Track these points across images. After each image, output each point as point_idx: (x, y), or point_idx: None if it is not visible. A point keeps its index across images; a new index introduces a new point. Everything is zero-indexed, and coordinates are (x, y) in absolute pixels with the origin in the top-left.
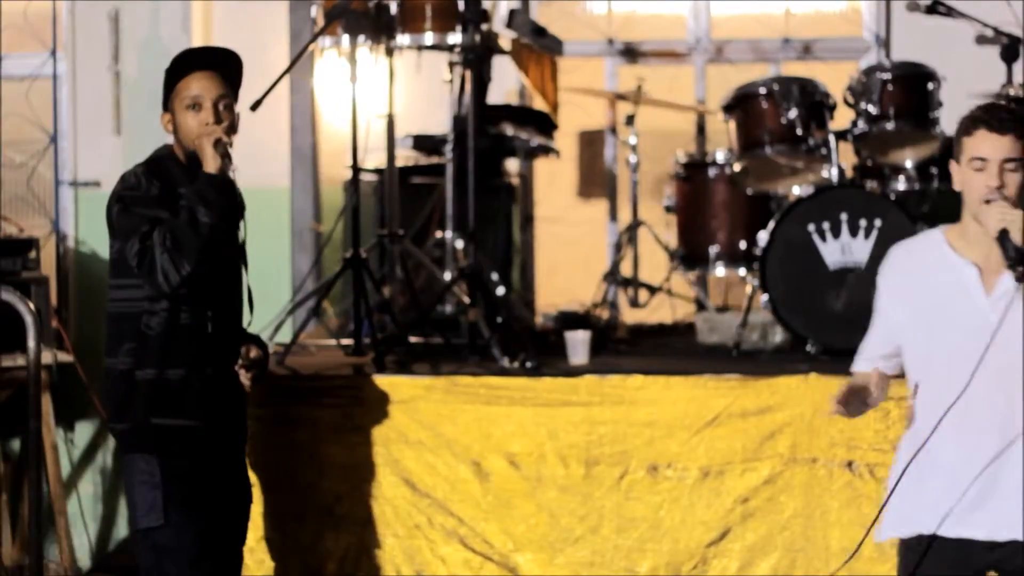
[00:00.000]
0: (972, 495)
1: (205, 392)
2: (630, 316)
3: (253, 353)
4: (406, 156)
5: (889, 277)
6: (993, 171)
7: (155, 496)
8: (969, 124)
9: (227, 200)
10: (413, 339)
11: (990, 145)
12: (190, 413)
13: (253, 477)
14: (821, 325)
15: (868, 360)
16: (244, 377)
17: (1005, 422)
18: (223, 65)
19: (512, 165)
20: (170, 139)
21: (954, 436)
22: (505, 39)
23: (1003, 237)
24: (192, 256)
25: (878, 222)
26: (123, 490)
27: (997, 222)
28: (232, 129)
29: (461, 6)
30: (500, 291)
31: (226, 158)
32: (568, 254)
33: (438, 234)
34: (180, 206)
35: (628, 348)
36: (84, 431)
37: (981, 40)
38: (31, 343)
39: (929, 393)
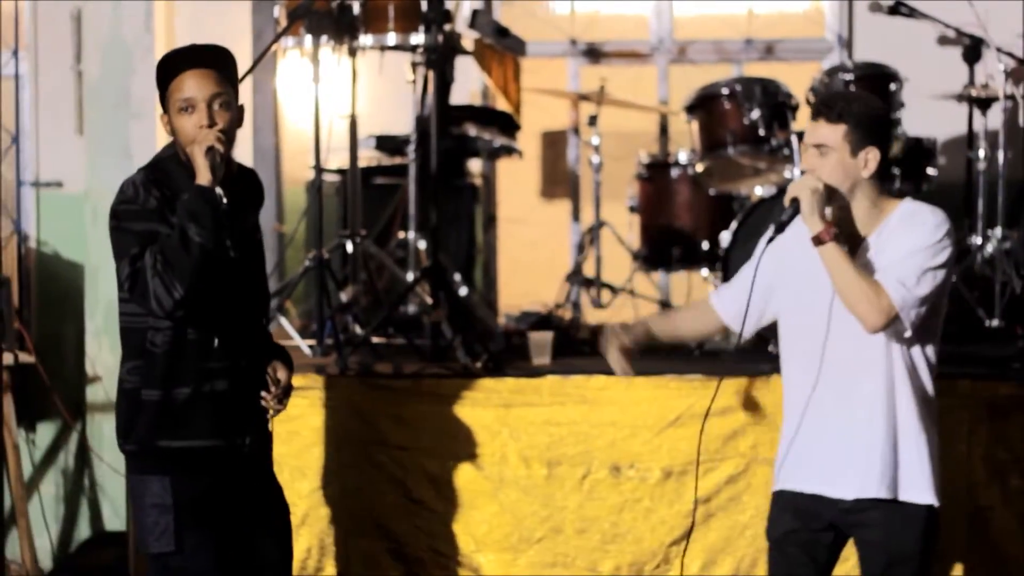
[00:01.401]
0: (821, 453)
1: (217, 409)
2: (593, 317)
3: (281, 375)
4: (369, 156)
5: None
6: (807, 152)
7: (167, 520)
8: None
9: (221, 210)
10: (376, 340)
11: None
12: (200, 433)
13: None
14: None
15: (726, 307)
16: (270, 402)
17: (852, 389)
18: (216, 61)
19: (475, 165)
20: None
21: (811, 401)
22: (468, 39)
23: (792, 203)
24: (184, 279)
25: None
26: (131, 510)
27: (791, 191)
28: (233, 125)
29: (424, 7)
30: (463, 292)
31: (216, 168)
32: (531, 254)
33: (401, 235)
34: (172, 222)
35: (591, 349)
36: (45, 432)
37: (943, 41)
38: None
39: (797, 359)
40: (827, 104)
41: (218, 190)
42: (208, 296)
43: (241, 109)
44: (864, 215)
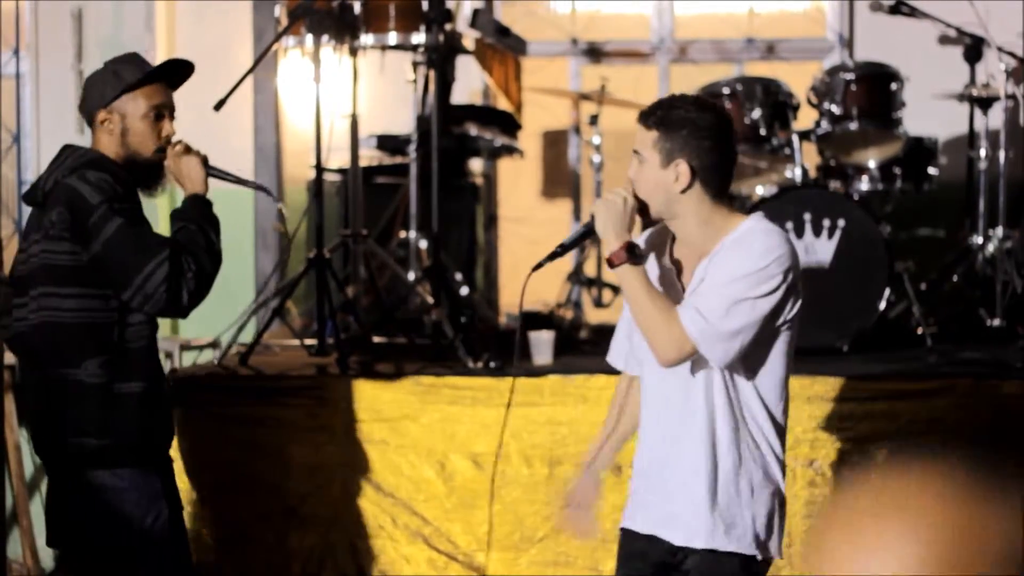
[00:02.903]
0: (650, 492)
1: (168, 404)
2: (594, 316)
3: None
4: (370, 156)
5: None
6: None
7: (159, 508)
8: None
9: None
10: (377, 339)
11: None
12: (168, 423)
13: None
14: None
15: (618, 355)
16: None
17: (680, 432)
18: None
19: (476, 165)
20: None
21: (645, 434)
22: (469, 39)
23: (589, 222)
24: (210, 281)
25: (841, 222)
26: (79, 510)
27: (594, 207)
28: None
29: (425, 6)
30: (464, 291)
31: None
32: (532, 254)
33: (402, 234)
34: (186, 228)
35: (592, 348)
36: None
37: (944, 40)
38: None
39: (644, 395)
40: (649, 108)
41: (208, 199)
42: None
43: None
44: (694, 235)
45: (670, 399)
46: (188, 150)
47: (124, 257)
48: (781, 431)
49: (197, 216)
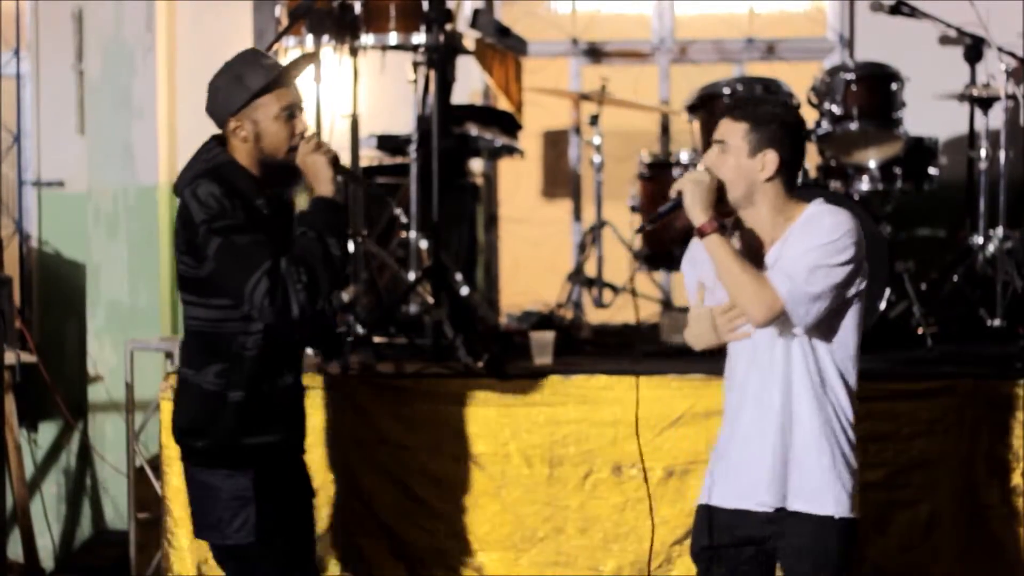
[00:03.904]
0: (738, 469)
1: (285, 403)
2: (594, 316)
3: None
4: (370, 156)
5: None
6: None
7: (248, 513)
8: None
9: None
10: (377, 339)
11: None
12: (277, 428)
13: None
14: None
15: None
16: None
17: (760, 399)
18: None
19: (476, 165)
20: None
21: (731, 416)
22: (469, 39)
23: (676, 197)
24: (326, 291)
25: None
26: (192, 502)
27: (677, 184)
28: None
29: (425, 6)
30: (464, 291)
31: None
32: (532, 254)
33: (402, 234)
34: (305, 235)
35: (592, 348)
36: (47, 432)
37: (944, 40)
38: None
39: (729, 363)
40: (737, 102)
41: (340, 201)
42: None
43: None
44: (767, 221)
45: (754, 377)
46: (319, 146)
47: (230, 272)
48: (855, 401)
49: (319, 223)
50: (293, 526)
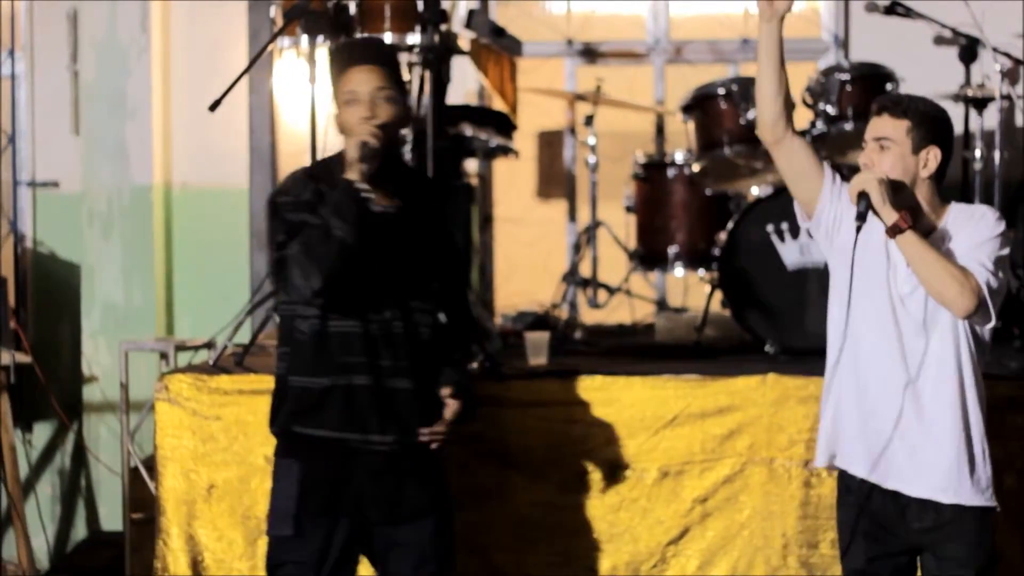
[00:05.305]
0: (887, 447)
1: (351, 403)
2: (589, 317)
3: (447, 410)
4: None
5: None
6: (868, 147)
7: (288, 505)
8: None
9: (365, 206)
10: None
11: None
12: (331, 424)
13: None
14: (780, 326)
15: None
16: (425, 436)
17: (892, 372)
18: (382, 58)
19: (471, 166)
20: None
21: (873, 389)
22: (464, 39)
23: (860, 197)
24: (323, 272)
25: None
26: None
27: (857, 185)
28: (396, 121)
29: (420, 6)
30: None
31: (367, 162)
32: (527, 255)
33: None
34: (322, 214)
35: (587, 348)
36: (42, 432)
37: (940, 41)
38: None
39: (868, 325)
40: (893, 100)
41: (363, 185)
42: (351, 290)
43: (408, 108)
44: (922, 217)
45: (908, 355)
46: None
47: (267, 247)
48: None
49: (328, 204)
50: (338, 534)
